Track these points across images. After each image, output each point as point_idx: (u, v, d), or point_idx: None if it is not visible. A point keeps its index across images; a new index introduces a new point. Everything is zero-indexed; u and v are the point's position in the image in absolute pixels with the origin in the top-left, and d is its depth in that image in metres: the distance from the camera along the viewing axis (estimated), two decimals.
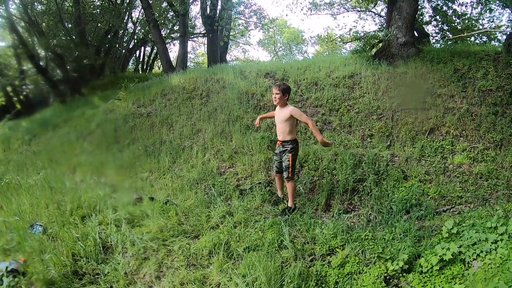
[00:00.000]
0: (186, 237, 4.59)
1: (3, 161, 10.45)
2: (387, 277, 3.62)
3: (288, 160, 5.37)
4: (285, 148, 5.45)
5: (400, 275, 3.60)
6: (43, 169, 8.36)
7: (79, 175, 7.98)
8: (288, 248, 4.18)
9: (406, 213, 5.56)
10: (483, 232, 3.70)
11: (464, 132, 7.54)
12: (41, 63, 20.40)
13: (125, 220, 4.95)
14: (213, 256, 4.10)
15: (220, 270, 3.84)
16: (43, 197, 6.02)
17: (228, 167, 7.19)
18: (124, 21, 22.39)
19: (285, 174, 5.44)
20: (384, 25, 14.13)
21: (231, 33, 23.46)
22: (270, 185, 6.43)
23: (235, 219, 4.95)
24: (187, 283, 3.70)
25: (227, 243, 4.29)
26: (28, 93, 23.05)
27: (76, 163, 8.74)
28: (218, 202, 5.58)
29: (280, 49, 36.64)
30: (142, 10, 19.61)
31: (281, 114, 5.42)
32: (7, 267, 3.75)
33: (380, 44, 11.29)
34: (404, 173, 6.63)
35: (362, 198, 6.12)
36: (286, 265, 3.91)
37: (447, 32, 15.54)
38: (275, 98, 5.39)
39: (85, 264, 4.06)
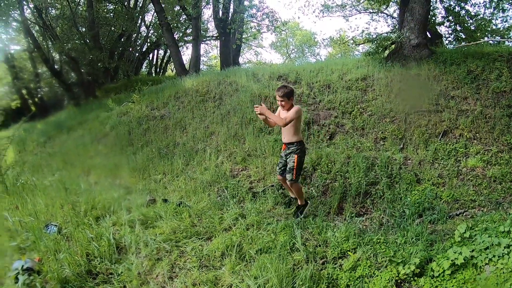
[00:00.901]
0: (199, 238, 4.61)
1: (19, 162, 10.61)
2: (399, 281, 3.60)
3: (293, 162, 5.18)
4: (290, 150, 5.29)
5: (412, 279, 3.58)
6: (58, 170, 8.49)
7: (93, 177, 8.08)
8: (300, 250, 4.19)
9: (419, 217, 5.53)
10: (495, 236, 3.66)
11: (477, 134, 7.47)
12: (55, 67, 20.74)
13: (139, 221, 4.99)
14: (225, 258, 4.11)
15: (232, 272, 3.85)
16: (58, 198, 6.10)
17: (241, 170, 7.23)
18: (137, 24, 22.57)
19: (288, 177, 5.23)
20: (396, 27, 14.08)
21: (243, 36, 23.50)
22: (283, 188, 6.43)
23: (248, 222, 4.96)
24: (199, 284, 3.72)
25: (240, 245, 4.32)
26: (43, 95, 23.43)
27: (90, 165, 8.84)
28: (231, 204, 5.60)
29: (293, 51, 36.58)
30: (155, 14, 19.78)
31: (285, 116, 5.15)
32: (22, 266, 3.78)
33: (393, 46, 11.22)
34: (417, 176, 6.60)
35: (375, 201, 6.10)
36: (298, 268, 3.91)
37: (460, 33, 15.38)
38: (282, 105, 5.17)
39: (99, 264, 4.09)
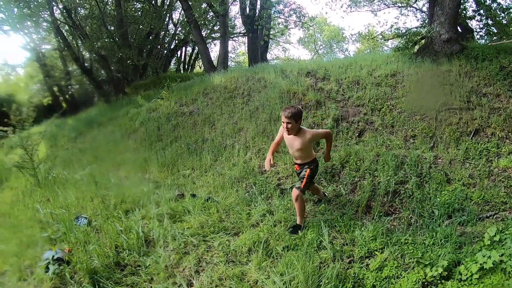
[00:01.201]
0: (226, 234, 4.65)
1: (51, 157, 10.93)
2: (425, 283, 3.52)
3: (306, 171, 4.89)
4: (304, 167, 4.99)
5: (439, 282, 3.48)
6: (88, 165, 8.69)
7: (123, 172, 8.25)
8: (327, 248, 4.17)
9: (448, 218, 5.39)
10: None
11: (510, 134, 7.21)
12: (85, 65, 21.29)
13: (167, 215, 5.07)
14: (252, 254, 4.14)
15: (259, 268, 3.88)
16: (89, 192, 6.30)
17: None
18: (165, 22, 22.84)
19: (297, 184, 4.90)
20: (426, 21, 13.75)
21: (271, 32, 23.47)
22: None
23: (275, 218, 4.98)
24: (225, 279, 3.77)
25: (267, 241, 4.33)
26: (73, 93, 24.18)
27: (120, 160, 9.05)
28: (259, 200, 5.62)
29: (321, 47, 36.19)
30: (183, 11, 19.97)
31: (296, 142, 4.82)
32: (53, 256, 3.94)
33: (423, 41, 10.97)
34: (447, 176, 6.43)
35: (404, 200, 5.97)
36: (324, 266, 3.91)
37: (492, 27, 14.88)
38: (287, 128, 4.65)
39: (127, 256, 4.19)
